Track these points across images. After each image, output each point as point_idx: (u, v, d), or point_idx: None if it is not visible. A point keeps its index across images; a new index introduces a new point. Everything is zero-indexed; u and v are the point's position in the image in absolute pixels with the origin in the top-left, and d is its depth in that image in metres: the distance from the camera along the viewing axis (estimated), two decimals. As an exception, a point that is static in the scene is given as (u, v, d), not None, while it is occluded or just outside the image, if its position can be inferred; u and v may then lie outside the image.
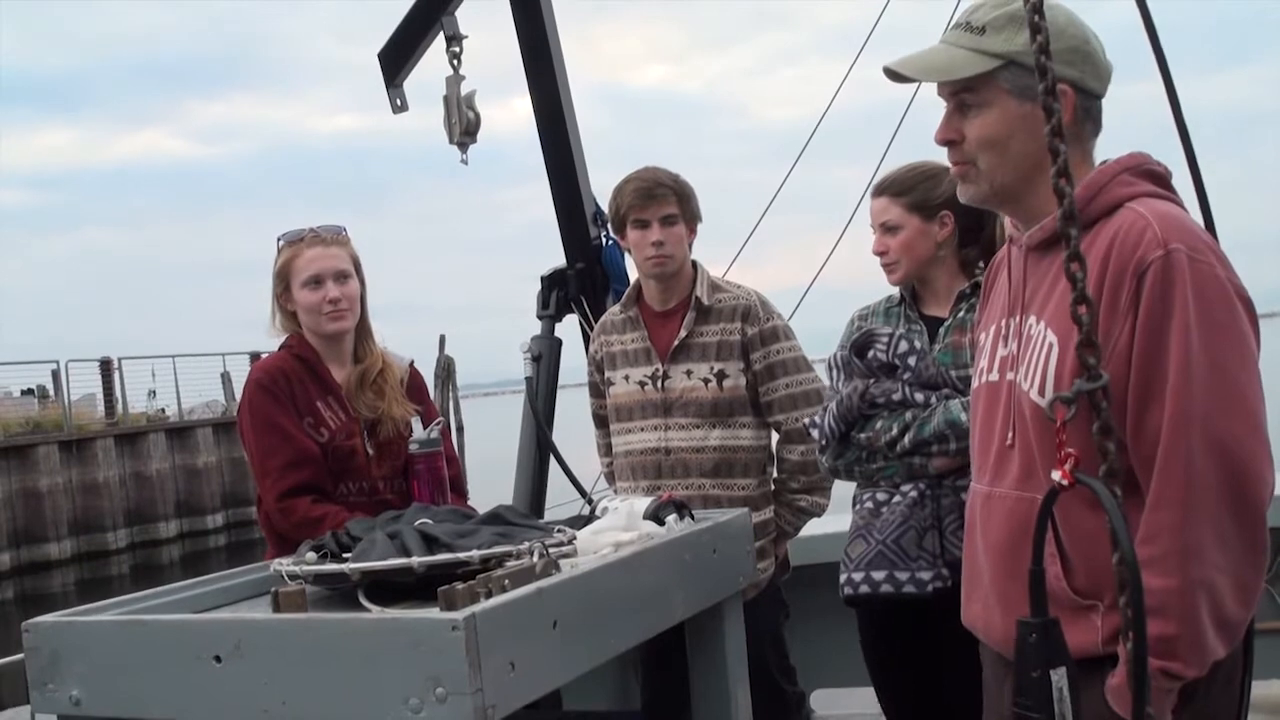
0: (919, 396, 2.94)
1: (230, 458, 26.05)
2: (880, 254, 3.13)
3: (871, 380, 3.00)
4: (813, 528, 3.71)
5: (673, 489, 3.34)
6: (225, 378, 28.57)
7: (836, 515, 3.88)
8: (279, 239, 3.19)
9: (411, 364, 3.37)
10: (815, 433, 3.09)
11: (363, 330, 3.24)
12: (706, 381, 3.48)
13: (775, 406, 3.50)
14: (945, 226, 3.09)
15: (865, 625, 3.17)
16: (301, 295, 3.14)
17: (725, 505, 3.32)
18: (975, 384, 2.16)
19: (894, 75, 2.01)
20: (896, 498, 2.98)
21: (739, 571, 2.36)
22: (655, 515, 2.22)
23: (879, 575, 2.96)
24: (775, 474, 3.60)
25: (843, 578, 3.03)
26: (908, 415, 2.93)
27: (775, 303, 3.61)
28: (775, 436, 3.59)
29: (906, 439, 2.93)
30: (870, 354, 3.01)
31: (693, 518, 2.32)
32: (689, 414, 3.48)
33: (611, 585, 1.92)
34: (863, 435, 2.99)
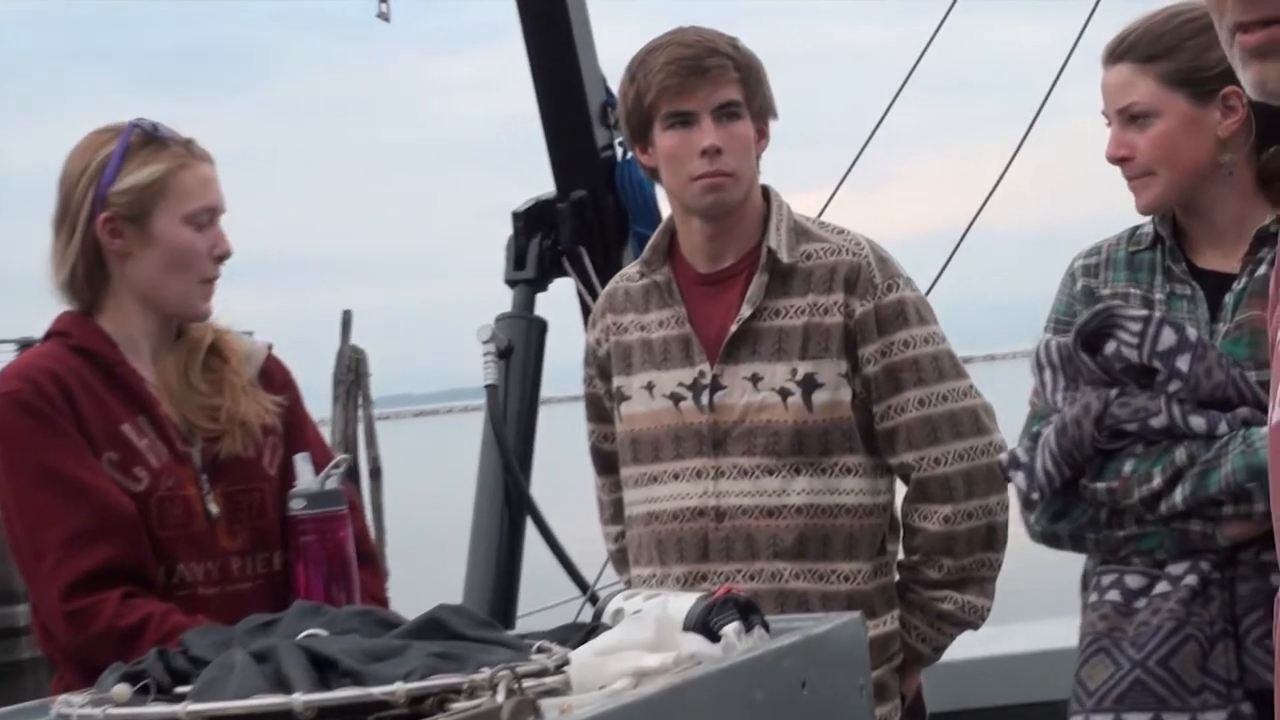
0: (1197, 421, 2.99)
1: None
2: (1121, 161, 3.14)
3: (1115, 392, 3.04)
4: (963, 646, 3.72)
5: (730, 579, 3.36)
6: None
7: (1003, 624, 3.88)
8: (134, 125, 3.13)
9: (270, 350, 3.37)
10: (1019, 477, 3.12)
11: None
12: (786, 394, 3.50)
13: (902, 437, 3.52)
14: (1233, 113, 3.08)
15: None
16: (179, 236, 3.12)
17: (818, 607, 3.35)
18: (1273, 416, 2.15)
19: None
20: (1162, 585, 3.02)
21: (843, 721, 2.38)
22: (704, 623, 2.23)
23: None
24: (902, 555, 3.63)
25: None
26: (1179, 453, 2.98)
27: (901, 261, 3.63)
28: (901, 490, 3.62)
29: (1179, 494, 2.97)
30: (1111, 348, 3.03)
31: (767, 628, 2.33)
32: (756, 451, 3.50)
33: (630, 745, 1.92)
34: (1102, 485, 3.04)
